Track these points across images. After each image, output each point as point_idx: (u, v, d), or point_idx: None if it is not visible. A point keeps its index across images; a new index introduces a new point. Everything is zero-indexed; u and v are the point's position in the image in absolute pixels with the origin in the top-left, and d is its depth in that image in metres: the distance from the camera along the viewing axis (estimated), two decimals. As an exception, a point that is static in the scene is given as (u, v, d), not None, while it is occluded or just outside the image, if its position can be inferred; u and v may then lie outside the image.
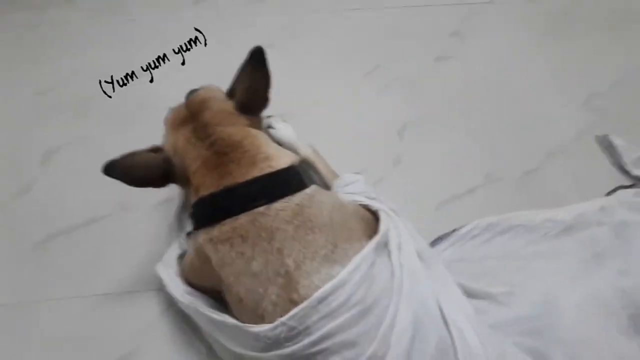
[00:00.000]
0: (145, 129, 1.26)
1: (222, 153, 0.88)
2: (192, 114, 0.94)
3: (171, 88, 1.39)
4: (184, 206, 1.11)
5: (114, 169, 0.90)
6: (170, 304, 1.06)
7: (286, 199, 0.82)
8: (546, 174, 1.29)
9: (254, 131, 0.94)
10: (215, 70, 1.44)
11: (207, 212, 0.86)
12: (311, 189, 0.85)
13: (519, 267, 1.08)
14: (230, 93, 0.98)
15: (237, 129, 0.92)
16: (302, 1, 1.64)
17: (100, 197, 1.21)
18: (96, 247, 1.14)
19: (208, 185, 0.86)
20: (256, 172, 0.85)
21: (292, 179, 0.87)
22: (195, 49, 1.51)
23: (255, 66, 0.94)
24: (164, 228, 1.11)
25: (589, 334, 0.95)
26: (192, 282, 0.96)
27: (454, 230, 1.14)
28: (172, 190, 1.20)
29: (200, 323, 0.93)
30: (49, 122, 1.34)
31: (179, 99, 1.26)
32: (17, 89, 1.40)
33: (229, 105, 0.96)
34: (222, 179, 0.85)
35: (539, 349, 0.89)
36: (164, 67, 1.47)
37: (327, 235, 0.80)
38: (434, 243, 1.12)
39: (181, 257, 1.04)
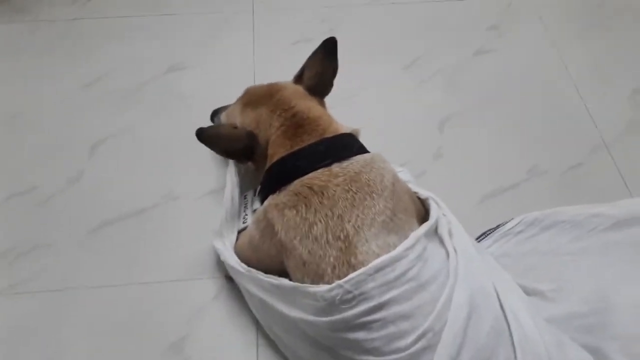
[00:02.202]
0: (188, 118, 1.32)
1: (300, 125, 0.96)
2: (269, 93, 1.02)
3: (212, 80, 1.43)
4: (247, 186, 1.14)
5: (203, 136, 1.00)
6: (220, 291, 1.08)
7: (350, 160, 0.88)
8: (591, 169, 1.27)
9: (326, 110, 1.04)
10: (254, 64, 1.48)
11: (276, 175, 0.93)
12: (372, 155, 0.92)
13: (566, 263, 1.07)
14: (298, 78, 1.07)
15: (314, 105, 1.02)
16: (340, -6, 1.64)
17: (147, 188, 1.23)
18: (145, 236, 1.16)
19: (281, 152, 0.93)
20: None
21: (355, 143, 0.96)
22: (234, 42, 1.52)
23: (327, 54, 1.06)
24: (211, 218, 1.13)
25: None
26: (245, 258, 0.99)
27: (498, 226, 1.14)
28: (218, 183, 1.23)
29: (256, 293, 0.95)
30: (94, 114, 1.37)
31: (220, 90, 1.30)
32: (63, 81, 1.43)
33: (300, 87, 1.06)
34: (294, 146, 0.94)
35: (593, 345, 0.89)
36: (204, 59, 1.48)
37: (386, 201, 0.85)
38: (478, 239, 1.12)
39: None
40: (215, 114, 1.24)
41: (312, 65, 1.07)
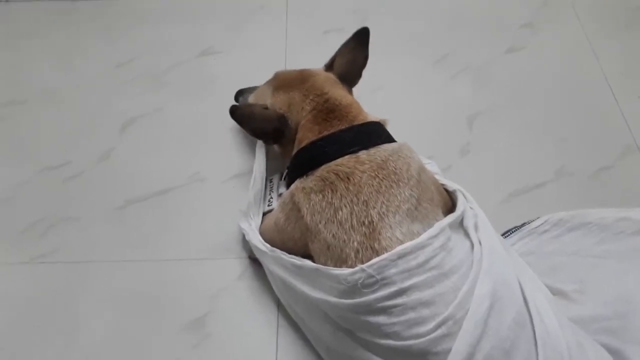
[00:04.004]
0: (217, 101, 1.33)
1: (331, 110, 0.97)
2: (302, 78, 1.03)
3: (243, 65, 1.44)
4: (273, 170, 1.16)
5: (236, 113, 1.02)
6: (244, 272, 1.10)
7: (377, 148, 0.90)
8: (621, 172, 1.25)
9: (355, 99, 1.05)
10: (286, 51, 1.49)
11: (304, 159, 0.94)
12: (399, 144, 0.93)
13: (591, 265, 1.06)
14: (329, 66, 1.08)
15: (345, 93, 1.03)
16: (373, -14, 1.64)
17: (174, 168, 1.25)
18: (171, 215, 1.18)
19: (310, 137, 0.95)
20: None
21: (383, 132, 0.97)
22: (267, 29, 1.53)
23: (359, 44, 1.07)
24: (236, 201, 1.14)
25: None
26: (270, 240, 1.00)
27: (523, 224, 1.13)
28: (244, 167, 1.24)
29: (278, 273, 0.96)
30: (126, 94, 1.39)
31: (250, 75, 1.30)
32: (97, 60, 1.46)
33: (331, 75, 1.07)
34: (322, 132, 0.95)
35: (614, 347, 0.88)
36: (236, 43, 1.50)
37: (411, 189, 0.85)
38: (503, 236, 1.11)
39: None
40: (240, 94, 1.26)
41: (344, 54, 1.08)
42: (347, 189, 0.85)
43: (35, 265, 1.12)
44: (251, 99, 1.15)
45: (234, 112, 1.02)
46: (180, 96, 1.39)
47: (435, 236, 0.81)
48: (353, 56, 1.08)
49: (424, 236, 0.81)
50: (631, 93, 1.39)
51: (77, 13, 1.57)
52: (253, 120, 1.03)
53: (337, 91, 1.01)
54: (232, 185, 1.23)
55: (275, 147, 1.09)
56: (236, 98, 1.27)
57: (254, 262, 1.10)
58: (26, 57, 1.48)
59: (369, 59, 1.10)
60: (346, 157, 0.89)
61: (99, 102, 1.38)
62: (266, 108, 1.04)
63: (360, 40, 1.07)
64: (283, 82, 1.06)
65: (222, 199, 1.20)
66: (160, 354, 1.01)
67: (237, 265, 1.11)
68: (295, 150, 0.99)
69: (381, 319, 0.78)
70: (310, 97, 0.99)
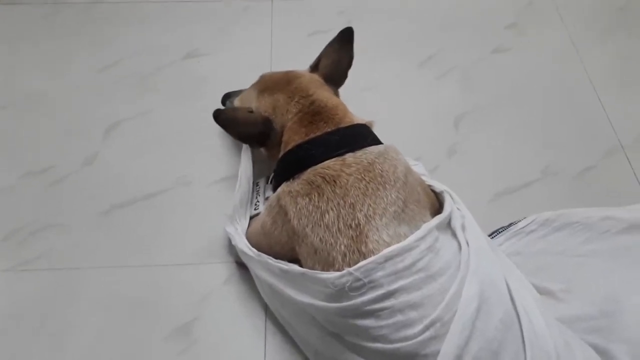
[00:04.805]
0: (203, 104, 1.32)
1: (317, 112, 0.96)
2: (287, 80, 1.02)
3: (228, 67, 1.43)
4: (259, 174, 1.15)
5: (220, 117, 1.01)
6: (230, 277, 1.09)
7: (363, 150, 0.89)
8: (605, 172, 1.26)
9: (341, 101, 1.04)
10: (271, 53, 1.48)
11: (291, 162, 0.93)
12: (385, 146, 0.92)
13: (577, 265, 1.07)
14: (314, 67, 1.08)
15: (330, 95, 1.02)
16: (359, -13, 1.64)
17: (160, 172, 1.24)
18: (157, 219, 1.17)
19: (296, 140, 0.94)
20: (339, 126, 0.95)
21: (369, 134, 0.96)
22: (253, 31, 1.52)
23: (343, 44, 1.07)
24: (223, 204, 1.14)
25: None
26: (256, 244, 1.00)
27: (510, 224, 1.14)
28: (231, 170, 1.23)
29: (265, 278, 0.95)
30: (111, 97, 1.38)
31: (236, 78, 1.30)
32: (81, 64, 1.44)
33: (317, 76, 1.06)
34: (309, 134, 0.94)
35: (601, 346, 0.88)
36: (221, 46, 1.49)
37: (398, 192, 0.85)
38: (490, 236, 1.12)
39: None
40: (227, 98, 1.25)
41: (329, 54, 1.08)
42: (334, 192, 0.85)
43: (19, 273, 1.10)
44: (237, 102, 1.14)
45: (218, 116, 1.01)
46: (166, 99, 1.38)
47: (422, 238, 0.81)
48: (338, 57, 1.07)
49: (411, 238, 0.80)
50: (615, 94, 1.40)
51: (61, 16, 1.55)
52: (237, 124, 1.03)
53: (322, 93, 1.01)
54: (218, 189, 1.22)
55: (262, 150, 1.09)
56: (223, 102, 1.26)
57: (241, 266, 1.09)
58: (9, 61, 1.45)
59: (355, 60, 1.09)
60: (332, 160, 0.89)
61: (83, 106, 1.36)
62: (251, 111, 1.04)
63: (345, 39, 1.07)
64: (268, 84, 1.05)
65: (208, 203, 1.19)
66: (148, 360, 1.00)
67: (224, 269, 1.10)
68: (281, 153, 0.98)
69: (369, 322, 0.78)
70: (296, 99, 0.98)
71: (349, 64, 1.08)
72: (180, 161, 1.26)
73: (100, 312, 1.05)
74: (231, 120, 1.03)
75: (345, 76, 1.10)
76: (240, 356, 1.00)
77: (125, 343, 1.02)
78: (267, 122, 1.01)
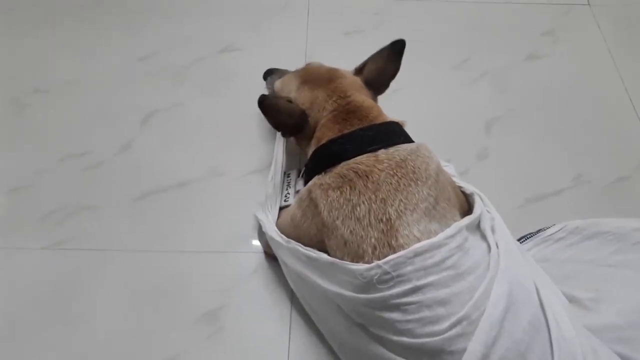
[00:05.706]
0: (235, 97, 1.36)
1: (351, 111, 0.98)
2: (329, 78, 1.04)
3: (263, 63, 1.44)
4: (290, 166, 1.17)
5: (264, 103, 1.02)
6: (258, 266, 1.11)
7: (396, 147, 0.90)
8: (638, 183, 1.25)
9: (377, 104, 1.06)
10: (306, 51, 1.50)
11: (324, 156, 0.95)
12: (418, 144, 0.93)
13: (605, 274, 1.05)
14: (359, 70, 1.09)
15: (367, 98, 1.04)
16: (395, -12, 1.64)
17: (192, 162, 1.27)
18: (188, 207, 1.20)
19: (330, 135, 0.96)
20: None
21: (402, 132, 0.98)
22: (289, 28, 1.55)
23: (393, 54, 1.07)
24: (253, 196, 1.16)
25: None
26: (285, 235, 1.01)
27: (538, 231, 1.13)
28: (262, 163, 1.25)
29: (294, 266, 0.97)
30: (147, 87, 1.41)
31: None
32: (120, 53, 1.48)
33: (358, 79, 1.07)
34: (343, 130, 0.96)
35: (628, 357, 0.87)
36: (255, 40, 1.52)
37: (429, 188, 0.86)
38: (519, 241, 1.11)
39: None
40: (269, 74, 1.28)
41: (376, 61, 1.08)
42: (366, 186, 0.86)
43: (54, 252, 1.13)
44: (277, 84, 1.16)
45: (262, 102, 1.02)
46: (200, 91, 1.40)
47: (452, 236, 0.82)
48: (384, 65, 1.08)
49: (441, 235, 0.81)
50: (652, 105, 1.39)
51: (101, 5, 1.59)
52: (278, 113, 1.04)
53: (360, 96, 1.02)
54: (249, 181, 1.24)
55: (292, 139, 1.11)
56: (265, 77, 1.29)
57: (270, 257, 1.11)
58: (49, 46, 1.50)
59: None
60: (365, 155, 0.90)
61: (120, 94, 1.40)
62: (290, 101, 1.06)
63: (395, 51, 1.07)
64: (311, 77, 1.07)
65: (239, 194, 1.21)
66: (173, 344, 1.02)
67: (252, 259, 1.12)
68: (312, 148, 1.00)
69: (395, 315, 0.78)
70: (334, 99, 1.00)
71: (393, 75, 1.09)
72: (212, 152, 1.29)
73: (129, 294, 1.08)
74: (273, 108, 1.04)
75: (387, 86, 1.11)
76: (265, 343, 1.02)
77: (151, 325, 1.04)
78: (303, 116, 1.03)
